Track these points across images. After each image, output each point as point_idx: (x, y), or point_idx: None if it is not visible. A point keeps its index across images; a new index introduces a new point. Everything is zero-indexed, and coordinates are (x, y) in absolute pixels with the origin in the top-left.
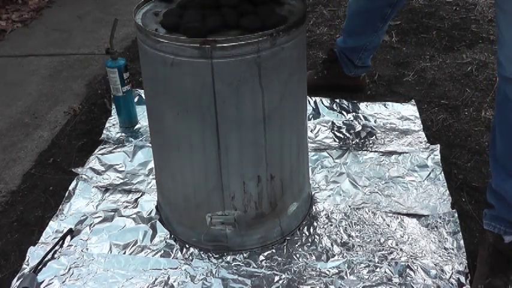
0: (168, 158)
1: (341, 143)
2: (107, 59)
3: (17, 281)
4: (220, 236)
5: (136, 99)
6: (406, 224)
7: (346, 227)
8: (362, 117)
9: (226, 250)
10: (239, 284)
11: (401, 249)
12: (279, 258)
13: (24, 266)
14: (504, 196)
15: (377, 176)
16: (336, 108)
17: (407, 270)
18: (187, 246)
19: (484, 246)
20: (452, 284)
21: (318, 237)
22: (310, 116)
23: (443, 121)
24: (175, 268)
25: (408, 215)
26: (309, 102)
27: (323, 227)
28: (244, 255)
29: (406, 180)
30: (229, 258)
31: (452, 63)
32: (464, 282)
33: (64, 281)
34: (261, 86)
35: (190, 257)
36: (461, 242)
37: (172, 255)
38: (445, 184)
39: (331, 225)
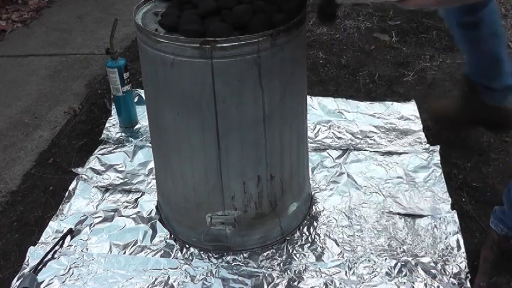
0: (168, 158)
1: (341, 143)
2: (107, 59)
3: (17, 281)
4: (220, 236)
5: (136, 99)
6: (406, 224)
7: (346, 227)
8: (362, 117)
9: (226, 250)
10: (239, 284)
11: (401, 249)
12: (279, 258)
13: (24, 266)
14: None
15: (377, 176)
16: (336, 108)
17: (407, 270)
18: (187, 246)
19: (487, 244)
20: (452, 284)
21: (318, 237)
22: (310, 116)
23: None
24: (175, 268)
25: (408, 215)
26: (309, 102)
27: (323, 227)
28: (245, 255)
29: (406, 180)
30: (229, 258)
31: (452, 63)
32: (464, 282)
33: (64, 281)
34: (261, 86)
35: (190, 257)
36: (461, 242)
37: (172, 255)
38: (445, 184)
39: (331, 225)
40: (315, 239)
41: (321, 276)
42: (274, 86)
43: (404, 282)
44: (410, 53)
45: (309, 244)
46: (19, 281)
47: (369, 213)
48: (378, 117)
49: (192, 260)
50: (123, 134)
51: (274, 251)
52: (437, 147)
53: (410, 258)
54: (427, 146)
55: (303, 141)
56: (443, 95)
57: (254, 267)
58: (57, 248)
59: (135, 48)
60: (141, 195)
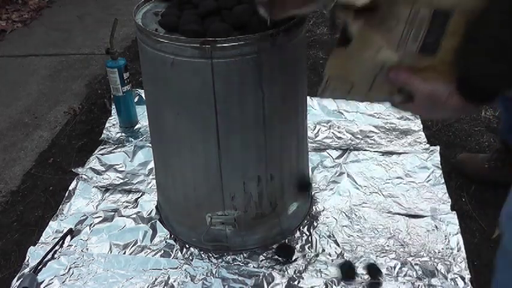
0: (168, 158)
1: (341, 143)
2: (107, 59)
3: (17, 281)
4: (220, 236)
5: (136, 99)
6: (406, 224)
7: (346, 227)
8: (362, 117)
9: (226, 250)
10: (239, 284)
11: (401, 249)
12: (279, 258)
13: (24, 266)
14: None
15: (377, 176)
16: (336, 108)
17: (407, 270)
18: (187, 246)
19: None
20: (452, 284)
21: (318, 237)
22: (310, 116)
23: (443, 121)
24: (176, 268)
25: (408, 215)
26: (309, 102)
27: (323, 227)
28: (244, 255)
29: (405, 180)
30: (229, 258)
31: None
32: (464, 282)
33: (64, 281)
34: (261, 86)
35: (190, 257)
36: (461, 242)
37: (172, 255)
38: (445, 184)
39: (331, 225)
40: (315, 239)
41: (321, 276)
42: (274, 86)
43: (404, 282)
44: None
45: (309, 244)
46: (19, 281)
47: (369, 213)
48: (378, 117)
49: (192, 260)
50: (123, 134)
51: (274, 250)
52: (437, 147)
53: (410, 258)
54: (427, 146)
55: (303, 141)
56: (475, 149)
57: (254, 267)
58: (57, 248)
59: (135, 48)
60: (141, 195)
